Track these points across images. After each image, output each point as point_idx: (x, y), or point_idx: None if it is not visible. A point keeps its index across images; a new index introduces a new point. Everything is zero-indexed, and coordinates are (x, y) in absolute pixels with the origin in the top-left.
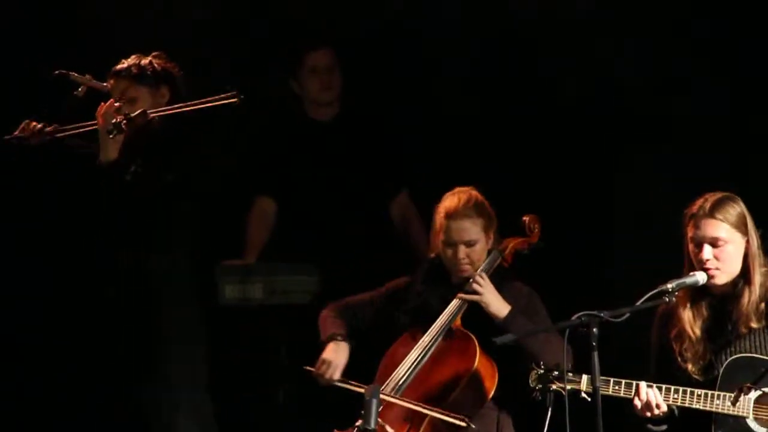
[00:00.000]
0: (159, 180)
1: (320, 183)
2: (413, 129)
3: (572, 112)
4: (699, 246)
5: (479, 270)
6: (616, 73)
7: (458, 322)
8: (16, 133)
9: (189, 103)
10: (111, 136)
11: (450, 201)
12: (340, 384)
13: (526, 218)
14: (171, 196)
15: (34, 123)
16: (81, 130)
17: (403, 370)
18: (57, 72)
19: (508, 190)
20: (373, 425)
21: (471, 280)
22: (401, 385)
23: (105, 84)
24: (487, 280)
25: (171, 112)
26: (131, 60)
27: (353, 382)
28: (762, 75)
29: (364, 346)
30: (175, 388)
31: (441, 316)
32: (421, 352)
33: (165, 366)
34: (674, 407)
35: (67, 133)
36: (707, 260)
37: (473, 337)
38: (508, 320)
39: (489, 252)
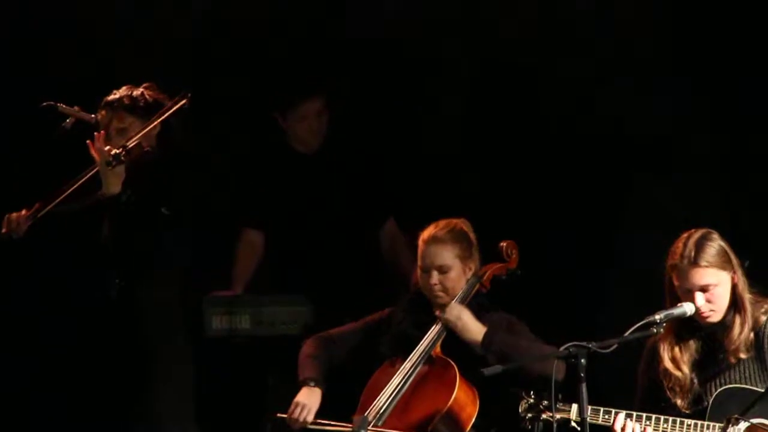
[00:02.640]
0: (154, 212)
1: (306, 214)
2: (410, 156)
3: (576, 140)
4: (689, 293)
5: (456, 298)
6: (617, 105)
7: (438, 349)
8: (3, 230)
9: (147, 122)
10: (110, 167)
11: (429, 228)
12: (313, 426)
13: (503, 244)
14: (165, 228)
15: (14, 214)
16: (63, 196)
17: (384, 399)
18: (45, 103)
19: (505, 217)
20: None
21: (447, 307)
22: (382, 413)
23: (93, 115)
24: (463, 307)
25: (137, 136)
26: (123, 91)
27: (327, 422)
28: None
29: (346, 376)
30: (164, 420)
31: (420, 344)
32: (402, 380)
33: (154, 398)
34: None
35: (53, 204)
36: (701, 306)
37: (453, 364)
38: (485, 343)
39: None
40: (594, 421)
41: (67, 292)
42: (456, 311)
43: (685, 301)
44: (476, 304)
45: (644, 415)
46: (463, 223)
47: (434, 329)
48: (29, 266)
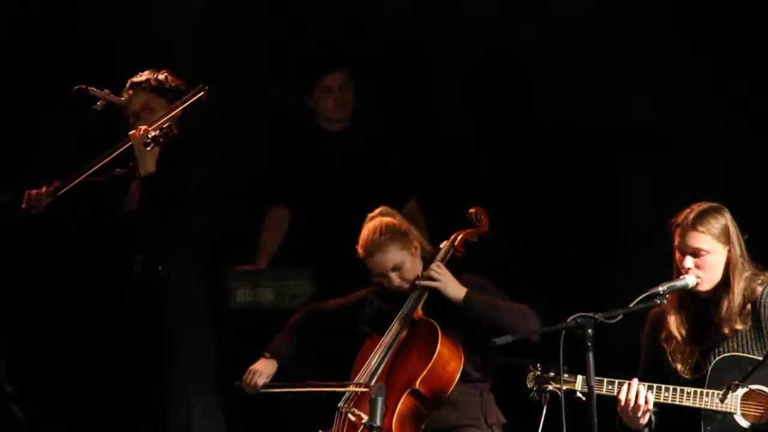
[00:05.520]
0: (181, 191)
1: (331, 191)
2: (431, 138)
3: (576, 121)
4: (683, 254)
5: (435, 260)
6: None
7: (420, 312)
8: (23, 206)
9: (164, 113)
10: (148, 148)
11: (361, 240)
12: (266, 390)
13: (472, 210)
14: (191, 205)
15: (34, 190)
16: (83, 176)
17: (373, 363)
18: (76, 87)
19: (517, 197)
20: (378, 422)
21: (428, 268)
22: (372, 376)
23: (122, 98)
24: (444, 268)
25: (167, 117)
26: (148, 73)
27: (280, 383)
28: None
29: (337, 355)
30: (188, 390)
31: (402, 309)
32: (388, 344)
33: (179, 369)
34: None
35: (73, 183)
36: (689, 269)
37: (435, 323)
38: (467, 301)
39: (425, 255)
40: (599, 392)
41: (91, 267)
42: (437, 270)
43: (679, 263)
44: (451, 269)
45: (646, 384)
46: (385, 216)
47: (414, 294)
48: (53, 241)
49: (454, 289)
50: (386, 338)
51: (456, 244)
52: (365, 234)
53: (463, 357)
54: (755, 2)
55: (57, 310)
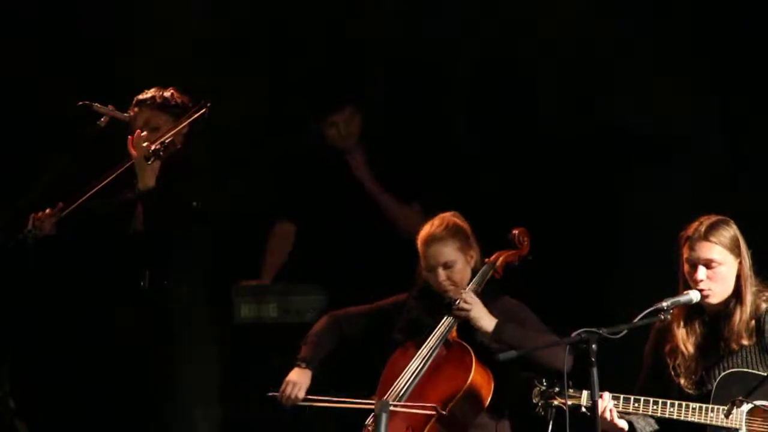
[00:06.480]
0: (185, 206)
1: (337, 206)
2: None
3: (575, 131)
4: (694, 267)
5: (469, 286)
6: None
7: (454, 333)
8: (29, 227)
9: (164, 130)
10: (149, 162)
11: (425, 229)
12: (304, 403)
13: (515, 231)
14: (194, 221)
15: (39, 213)
16: (87, 195)
17: (403, 381)
18: (80, 103)
19: (515, 207)
20: None
21: (458, 299)
22: (402, 395)
23: (126, 114)
24: (475, 298)
25: (170, 133)
26: (153, 91)
27: (317, 398)
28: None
29: (363, 362)
30: (192, 403)
31: (437, 329)
32: (420, 363)
33: (183, 381)
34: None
35: (77, 203)
36: (701, 280)
37: (469, 347)
38: (496, 333)
39: (475, 269)
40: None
41: (97, 284)
42: (468, 303)
43: (689, 277)
44: (489, 292)
45: (651, 399)
46: (455, 216)
47: (448, 318)
48: (61, 259)
49: (485, 320)
50: (418, 358)
51: (496, 265)
52: (429, 225)
53: (493, 383)
54: (756, 2)
55: (63, 326)
